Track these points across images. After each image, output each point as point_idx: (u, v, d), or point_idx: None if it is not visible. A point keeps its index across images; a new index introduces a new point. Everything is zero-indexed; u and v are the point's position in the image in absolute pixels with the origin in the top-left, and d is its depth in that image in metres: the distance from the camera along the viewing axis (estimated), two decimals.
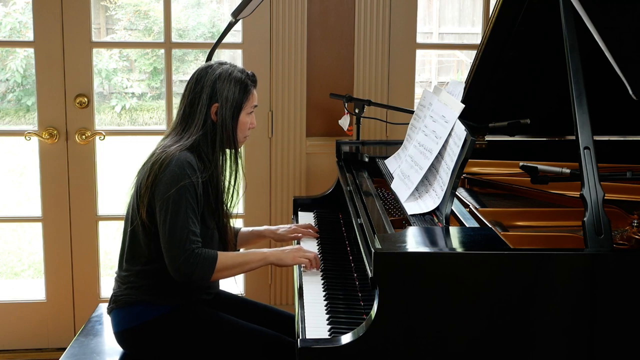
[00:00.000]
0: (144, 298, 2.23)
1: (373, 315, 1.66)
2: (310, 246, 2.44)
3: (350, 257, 2.33)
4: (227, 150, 2.31)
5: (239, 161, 2.34)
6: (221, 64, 2.30)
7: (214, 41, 2.87)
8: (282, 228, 2.57)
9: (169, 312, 2.24)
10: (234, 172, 2.34)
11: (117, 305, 2.27)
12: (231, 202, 2.35)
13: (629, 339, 1.71)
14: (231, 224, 2.39)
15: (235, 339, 2.24)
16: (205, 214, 2.23)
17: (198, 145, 2.23)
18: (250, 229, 2.60)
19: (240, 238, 2.54)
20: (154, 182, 2.17)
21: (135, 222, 2.21)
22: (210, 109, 2.25)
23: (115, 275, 2.33)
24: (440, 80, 10.75)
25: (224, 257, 2.18)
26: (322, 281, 2.16)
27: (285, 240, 2.60)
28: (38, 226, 3.42)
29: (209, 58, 2.82)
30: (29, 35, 3.28)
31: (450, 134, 2.02)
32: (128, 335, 2.27)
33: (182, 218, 2.12)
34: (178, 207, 2.12)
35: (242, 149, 3.37)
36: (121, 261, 2.31)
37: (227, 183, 2.33)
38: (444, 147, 2.04)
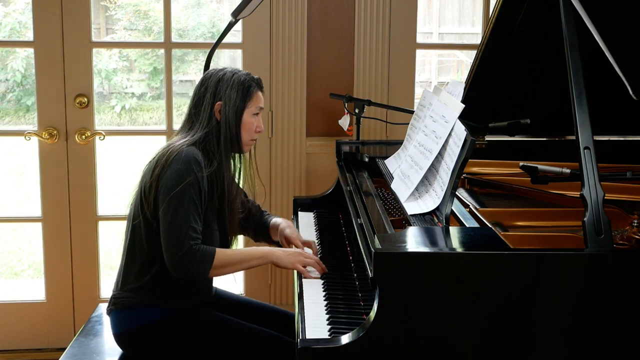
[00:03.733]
0: (143, 301, 2.23)
1: (373, 316, 1.66)
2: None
3: (350, 257, 2.33)
4: (236, 155, 2.35)
5: (246, 165, 2.38)
6: (227, 67, 2.34)
7: (214, 41, 2.87)
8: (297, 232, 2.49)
9: (168, 314, 2.23)
10: (241, 176, 2.37)
11: (116, 308, 2.26)
12: (231, 203, 2.32)
13: (629, 339, 1.71)
14: (235, 227, 2.39)
15: (235, 340, 2.24)
16: (208, 213, 2.23)
17: (203, 140, 2.25)
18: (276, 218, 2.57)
19: (272, 226, 2.52)
20: (159, 176, 2.18)
21: (137, 219, 2.22)
22: (214, 108, 2.27)
23: (116, 277, 2.32)
24: (440, 80, 10.75)
25: (222, 254, 2.18)
26: (322, 281, 2.16)
27: (293, 243, 2.45)
28: (38, 226, 3.42)
29: (209, 58, 2.83)
30: (29, 36, 3.28)
31: (450, 134, 2.02)
32: (127, 338, 2.26)
33: (183, 214, 2.13)
34: (180, 203, 2.13)
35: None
36: (122, 262, 2.30)
37: (233, 186, 2.34)
38: (444, 147, 2.04)
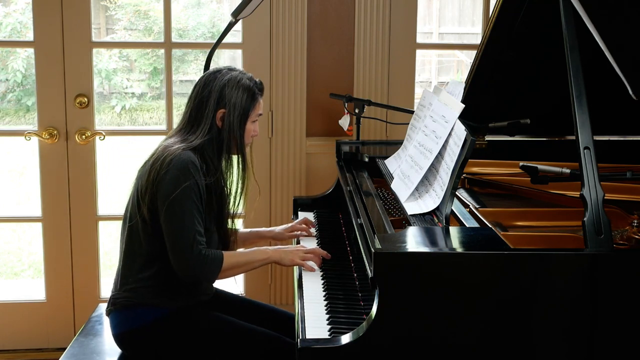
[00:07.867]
0: (142, 301, 2.23)
1: (373, 315, 1.66)
2: (310, 245, 2.44)
3: (350, 257, 2.33)
4: (234, 157, 2.31)
5: (248, 167, 2.33)
6: (230, 70, 2.29)
7: (214, 41, 2.87)
8: (280, 228, 2.62)
9: (168, 314, 2.23)
10: (241, 179, 2.33)
11: (115, 308, 2.26)
12: (234, 207, 2.36)
13: (629, 339, 1.71)
14: (234, 227, 2.41)
15: (234, 340, 2.24)
16: (207, 216, 2.23)
17: (202, 148, 2.22)
18: (249, 230, 2.61)
19: (239, 238, 2.54)
20: (156, 180, 2.16)
21: (134, 220, 2.21)
22: (216, 115, 2.24)
23: (114, 277, 2.32)
24: (440, 80, 10.76)
25: (229, 257, 2.20)
26: (322, 281, 2.16)
27: (284, 239, 2.62)
28: (38, 226, 3.42)
29: (209, 58, 2.83)
30: (29, 36, 3.28)
31: (450, 134, 2.02)
32: (127, 338, 2.26)
33: (188, 219, 2.12)
34: (184, 209, 2.13)
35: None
36: (120, 263, 2.30)
37: (233, 189, 2.33)
38: (444, 147, 2.04)
